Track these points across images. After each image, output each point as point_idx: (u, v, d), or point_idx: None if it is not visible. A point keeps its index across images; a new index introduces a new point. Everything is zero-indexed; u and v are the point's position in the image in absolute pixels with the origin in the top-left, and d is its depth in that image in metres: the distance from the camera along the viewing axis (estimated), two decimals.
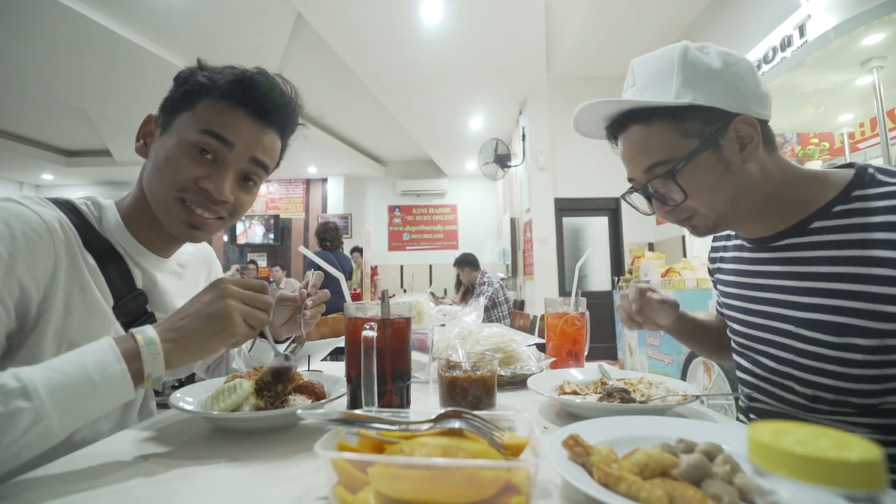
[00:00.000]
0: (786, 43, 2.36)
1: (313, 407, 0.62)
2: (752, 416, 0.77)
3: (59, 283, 0.60)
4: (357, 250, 5.62)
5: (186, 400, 0.63)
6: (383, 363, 0.61)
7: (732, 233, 0.82)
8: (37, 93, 4.98)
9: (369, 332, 0.57)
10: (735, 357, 0.81)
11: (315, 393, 0.67)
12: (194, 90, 0.68)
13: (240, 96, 0.68)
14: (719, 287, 0.86)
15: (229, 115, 0.68)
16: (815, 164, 2.76)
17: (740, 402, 0.80)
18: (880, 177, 0.61)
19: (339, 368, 1.04)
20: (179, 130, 0.68)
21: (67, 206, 0.67)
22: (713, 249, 0.91)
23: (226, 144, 0.67)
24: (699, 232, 0.72)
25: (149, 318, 0.72)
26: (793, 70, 2.23)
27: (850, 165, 0.66)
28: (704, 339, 0.91)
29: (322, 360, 1.10)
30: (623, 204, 5.21)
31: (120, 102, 5.11)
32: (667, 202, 0.69)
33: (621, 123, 0.69)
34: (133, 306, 0.70)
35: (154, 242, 0.74)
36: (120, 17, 3.74)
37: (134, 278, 0.71)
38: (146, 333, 0.53)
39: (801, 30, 2.27)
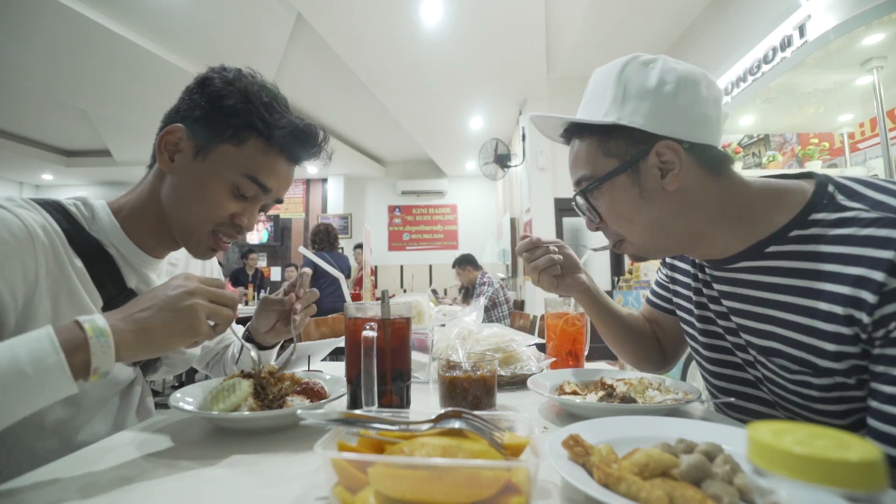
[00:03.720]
0: (786, 43, 2.36)
1: (313, 407, 0.62)
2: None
3: (41, 289, 0.58)
4: (359, 247, 5.62)
5: (186, 400, 0.63)
6: (383, 363, 0.61)
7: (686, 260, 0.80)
8: (37, 93, 4.98)
9: (369, 333, 0.58)
10: (704, 374, 0.78)
11: (315, 393, 0.67)
12: (247, 123, 0.68)
13: (288, 147, 0.71)
14: (675, 286, 0.82)
15: (273, 163, 0.71)
16: (815, 165, 2.76)
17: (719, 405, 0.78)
18: (840, 198, 0.57)
19: (339, 368, 1.04)
20: (220, 164, 0.68)
21: (55, 207, 0.66)
22: (671, 268, 0.85)
23: (264, 190, 0.71)
24: (631, 256, 0.70)
25: None
26: (793, 70, 2.23)
27: (808, 175, 0.62)
28: (612, 325, 0.89)
29: (322, 360, 1.10)
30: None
31: (120, 102, 5.11)
32: (591, 220, 0.69)
33: (567, 134, 0.70)
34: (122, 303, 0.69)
35: (152, 246, 0.74)
36: (120, 17, 3.74)
37: (124, 278, 0.70)
38: (96, 323, 0.48)
39: (801, 30, 2.27)
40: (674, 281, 0.83)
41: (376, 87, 4.79)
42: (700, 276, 0.74)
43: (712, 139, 0.61)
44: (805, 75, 2.28)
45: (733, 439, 0.46)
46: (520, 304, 5.13)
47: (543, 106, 5.05)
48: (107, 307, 0.66)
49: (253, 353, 0.71)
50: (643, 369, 0.91)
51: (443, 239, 8.22)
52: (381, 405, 0.60)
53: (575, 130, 0.68)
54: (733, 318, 0.67)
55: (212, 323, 0.57)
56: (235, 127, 0.68)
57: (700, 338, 0.75)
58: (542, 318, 1.75)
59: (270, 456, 0.52)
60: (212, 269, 0.97)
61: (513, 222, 6.12)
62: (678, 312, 0.83)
